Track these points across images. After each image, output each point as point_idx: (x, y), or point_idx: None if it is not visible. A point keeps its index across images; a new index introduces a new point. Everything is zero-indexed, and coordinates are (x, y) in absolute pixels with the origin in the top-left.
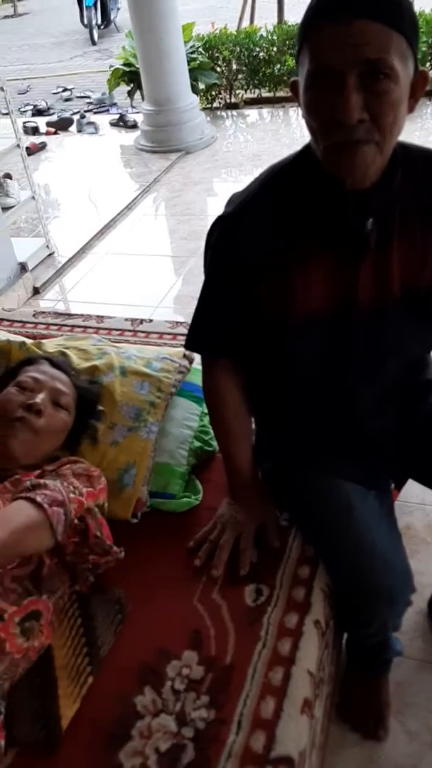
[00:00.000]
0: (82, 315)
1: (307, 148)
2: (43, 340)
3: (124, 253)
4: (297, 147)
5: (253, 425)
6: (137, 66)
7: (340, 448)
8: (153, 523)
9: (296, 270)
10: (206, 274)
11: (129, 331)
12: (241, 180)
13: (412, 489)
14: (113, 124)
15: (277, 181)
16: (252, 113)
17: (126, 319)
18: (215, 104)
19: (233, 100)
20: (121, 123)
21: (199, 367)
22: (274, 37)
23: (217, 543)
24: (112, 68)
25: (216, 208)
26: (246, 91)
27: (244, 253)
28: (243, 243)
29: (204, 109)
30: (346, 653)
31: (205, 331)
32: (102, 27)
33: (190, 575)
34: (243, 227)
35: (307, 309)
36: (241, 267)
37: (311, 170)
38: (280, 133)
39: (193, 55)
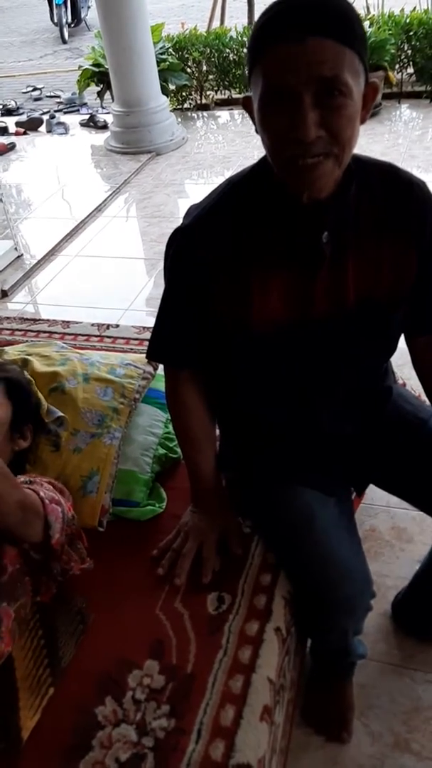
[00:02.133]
0: (47, 320)
1: (264, 161)
2: (6, 347)
3: (94, 255)
4: None
5: (218, 432)
6: (107, 66)
7: (301, 455)
8: (116, 531)
9: (254, 281)
10: (165, 284)
11: (95, 336)
12: (213, 181)
13: (377, 492)
14: (83, 125)
15: (235, 193)
16: (223, 114)
17: (92, 325)
18: (186, 105)
19: (204, 101)
20: (92, 123)
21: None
22: (244, 39)
23: (180, 551)
24: (82, 69)
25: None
26: (216, 92)
27: (202, 265)
28: (200, 255)
29: (174, 110)
30: (310, 658)
31: (165, 340)
32: (72, 25)
33: (153, 584)
34: (200, 239)
35: (266, 320)
36: (199, 278)
37: (268, 182)
38: (250, 135)
39: (163, 56)
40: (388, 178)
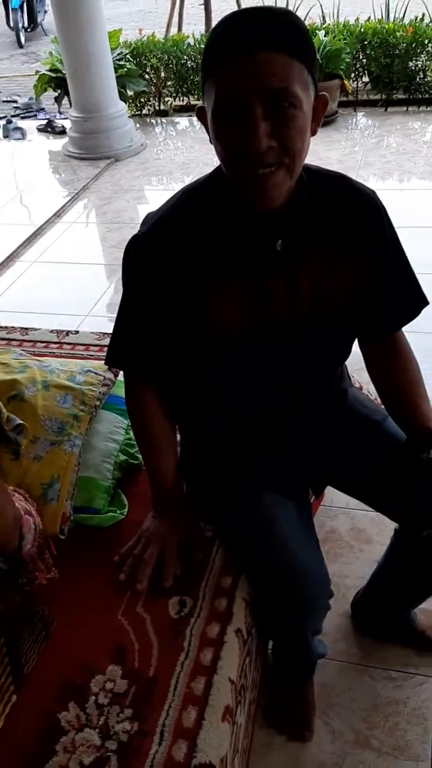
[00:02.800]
0: (5, 327)
1: (219, 170)
2: None
3: (53, 261)
4: None
5: (178, 437)
6: (64, 72)
7: (259, 458)
8: (78, 538)
9: (210, 290)
10: (123, 291)
11: (54, 343)
12: (172, 188)
13: (337, 494)
14: (41, 130)
15: (191, 202)
16: (182, 121)
17: (51, 331)
18: (144, 111)
19: (162, 107)
20: (49, 129)
21: None
22: (202, 46)
23: (141, 557)
24: (39, 74)
25: None
26: (175, 98)
27: (158, 274)
28: (156, 263)
29: (133, 116)
30: (271, 658)
31: (123, 347)
32: (29, 30)
33: (115, 590)
34: (156, 247)
35: (222, 328)
36: (155, 287)
37: (223, 191)
38: (208, 142)
39: (121, 62)
40: (340, 189)
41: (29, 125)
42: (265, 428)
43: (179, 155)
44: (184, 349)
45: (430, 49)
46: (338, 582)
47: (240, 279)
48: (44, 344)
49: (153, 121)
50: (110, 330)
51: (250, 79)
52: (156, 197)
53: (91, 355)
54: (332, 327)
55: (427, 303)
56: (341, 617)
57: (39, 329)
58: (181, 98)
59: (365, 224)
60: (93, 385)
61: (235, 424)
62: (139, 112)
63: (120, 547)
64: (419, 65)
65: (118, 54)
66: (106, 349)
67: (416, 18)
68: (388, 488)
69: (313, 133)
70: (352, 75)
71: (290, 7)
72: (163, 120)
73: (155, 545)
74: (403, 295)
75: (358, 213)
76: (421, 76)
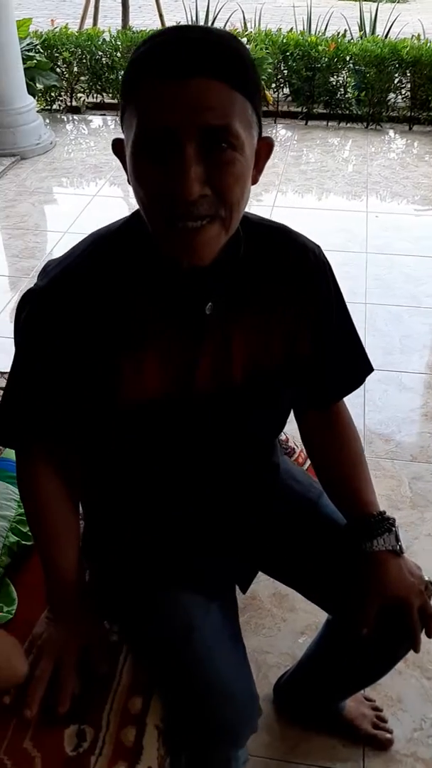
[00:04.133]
0: None
1: (138, 214)
2: None
3: None
4: None
5: (81, 519)
6: None
7: (178, 548)
8: None
9: (125, 354)
10: (15, 353)
11: None
12: (83, 191)
13: None
14: None
15: (103, 252)
16: (95, 119)
17: None
18: (55, 107)
19: (74, 103)
20: None
21: None
22: (118, 43)
23: (32, 673)
24: None
25: (53, 222)
26: (88, 95)
27: (61, 335)
28: (59, 323)
29: (42, 110)
30: None
31: (15, 419)
32: None
33: None
34: (58, 305)
35: (138, 396)
36: (57, 350)
37: (142, 242)
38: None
39: (30, 54)
40: (281, 243)
41: None
42: (183, 513)
43: (92, 156)
44: (90, 420)
45: (350, 65)
46: (258, 659)
47: (161, 345)
48: None
49: (64, 117)
50: (8, 357)
51: (183, 110)
52: (64, 201)
53: None
54: (267, 396)
55: (371, 370)
56: (263, 702)
57: None
58: (95, 95)
59: (308, 283)
60: None
61: (148, 506)
62: (49, 107)
63: None
64: (340, 81)
65: (28, 44)
66: None
67: (338, 33)
68: (322, 578)
69: (254, 181)
70: (273, 86)
71: (210, 12)
72: (75, 117)
73: (49, 658)
74: (347, 361)
75: (299, 271)
76: (342, 92)
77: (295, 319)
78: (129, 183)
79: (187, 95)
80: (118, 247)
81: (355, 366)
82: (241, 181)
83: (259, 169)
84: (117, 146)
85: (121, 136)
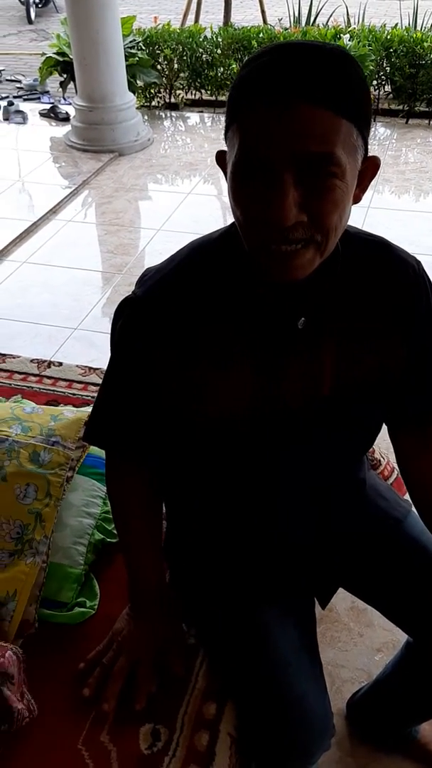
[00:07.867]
0: None
1: (234, 228)
2: None
3: (44, 263)
4: None
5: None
6: (71, 57)
7: (258, 562)
8: (38, 635)
9: (213, 367)
10: (111, 358)
11: (34, 375)
12: (178, 189)
13: None
14: (43, 115)
15: (200, 262)
16: (192, 116)
17: (32, 361)
18: (153, 103)
19: (173, 100)
20: (52, 114)
21: None
22: (219, 40)
23: (110, 668)
24: (45, 56)
25: (147, 219)
26: (187, 92)
27: (153, 345)
28: (152, 333)
29: (141, 107)
30: None
31: (107, 422)
32: (40, 5)
33: (77, 707)
34: (153, 315)
35: (223, 410)
36: (149, 359)
37: (237, 256)
38: (219, 141)
39: (133, 51)
40: (380, 257)
41: (31, 108)
42: (267, 526)
43: (187, 154)
44: (178, 431)
45: None
46: (333, 672)
47: (250, 357)
48: (22, 376)
49: (162, 114)
50: (98, 353)
51: (281, 138)
52: (159, 198)
53: (73, 395)
54: (356, 410)
55: None
56: (336, 717)
57: (18, 357)
58: (194, 92)
59: (405, 297)
60: (60, 465)
61: (229, 518)
62: (148, 104)
63: (86, 650)
64: None
65: (131, 42)
66: (90, 387)
67: None
68: (404, 600)
69: (356, 200)
70: (374, 83)
71: (313, 7)
72: (173, 114)
73: (128, 655)
74: None
75: (398, 285)
76: None
77: (389, 333)
78: (229, 202)
79: (288, 124)
80: (215, 260)
81: None
82: (339, 207)
83: (363, 187)
84: (220, 158)
85: (223, 146)
